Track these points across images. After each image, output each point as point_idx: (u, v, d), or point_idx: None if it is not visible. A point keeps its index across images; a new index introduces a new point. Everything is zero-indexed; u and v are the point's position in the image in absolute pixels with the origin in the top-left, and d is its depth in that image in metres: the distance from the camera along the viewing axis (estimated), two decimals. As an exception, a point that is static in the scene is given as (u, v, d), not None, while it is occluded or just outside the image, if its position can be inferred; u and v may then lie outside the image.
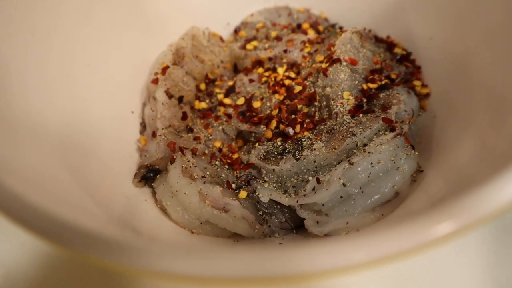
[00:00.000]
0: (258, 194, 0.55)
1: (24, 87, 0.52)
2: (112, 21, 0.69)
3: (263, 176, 0.57)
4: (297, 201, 0.52)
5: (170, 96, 0.65)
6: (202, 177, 0.56)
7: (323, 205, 0.50)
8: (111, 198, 0.53)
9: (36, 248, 0.59)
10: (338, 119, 0.57)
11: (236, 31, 0.84)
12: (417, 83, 0.64)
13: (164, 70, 0.67)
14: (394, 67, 0.66)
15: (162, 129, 0.63)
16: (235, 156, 0.63)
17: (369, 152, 0.51)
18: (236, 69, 0.79)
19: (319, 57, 0.65)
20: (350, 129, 0.54)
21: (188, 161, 0.58)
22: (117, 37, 0.69)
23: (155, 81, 0.67)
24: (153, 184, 0.61)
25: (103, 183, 0.54)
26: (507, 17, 0.52)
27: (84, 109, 0.60)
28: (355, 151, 0.53)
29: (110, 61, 0.67)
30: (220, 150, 0.64)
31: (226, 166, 0.62)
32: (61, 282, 0.57)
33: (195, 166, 0.58)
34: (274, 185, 0.56)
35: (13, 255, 0.59)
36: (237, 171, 0.60)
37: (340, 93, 0.59)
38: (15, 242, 0.60)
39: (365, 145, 0.53)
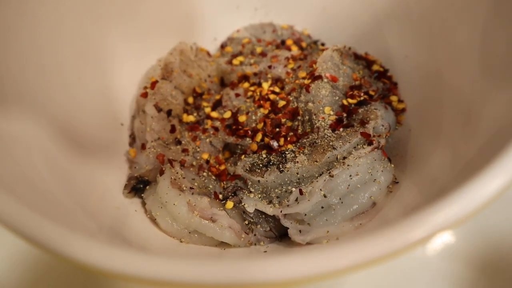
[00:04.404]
0: (244, 204, 0.58)
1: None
2: (102, 36, 0.71)
3: (248, 187, 0.60)
4: (281, 211, 0.55)
5: (159, 110, 0.67)
6: (191, 188, 0.59)
7: (305, 215, 0.53)
8: (101, 209, 0.55)
9: (24, 253, 0.60)
10: (319, 133, 0.60)
11: (223, 46, 0.87)
12: (393, 98, 0.67)
13: (153, 84, 0.69)
14: (372, 83, 0.69)
15: (151, 141, 0.65)
16: (222, 167, 0.65)
17: (348, 165, 0.54)
18: (222, 83, 0.81)
19: (302, 73, 0.68)
20: (330, 143, 0.57)
21: (177, 173, 0.60)
22: (107, 52, 0.71)
23: (144, 95, 0.69)
24: (142, 195, 0.63)
25: (94, 194, 0.56)
26: (472, 36, 0.55)
27: (75, 121, 0.61)
28: (335, 163, 0.56)
29: (101, 75, 0.69)
30: (207, 161, 0.66)
31: (214, 177, 0.64)
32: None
33: (184, 178, 0.60)
34: (259, 195, 0.58)
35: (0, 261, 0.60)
36: (224, 182, 0.63)
37: (321, 108, 0.63)
38: (2, 247, 0.60)
39: (344, 158, 0.56)
